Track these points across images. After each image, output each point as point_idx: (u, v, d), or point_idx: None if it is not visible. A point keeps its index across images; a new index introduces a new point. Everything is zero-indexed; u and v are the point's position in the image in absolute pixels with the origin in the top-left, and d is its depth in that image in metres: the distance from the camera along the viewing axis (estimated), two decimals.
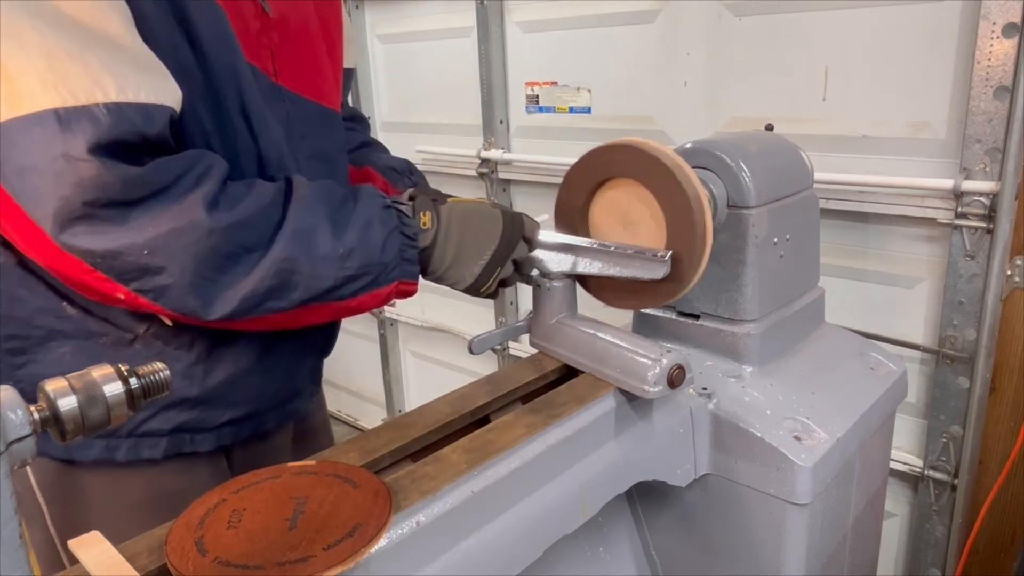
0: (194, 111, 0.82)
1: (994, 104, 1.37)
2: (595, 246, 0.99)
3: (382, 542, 0.68)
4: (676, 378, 0.90)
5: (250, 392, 0.97)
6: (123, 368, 0.56)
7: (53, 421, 0.52)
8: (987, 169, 1.41)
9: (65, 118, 0.69)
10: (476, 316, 2.56)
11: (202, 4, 0.81)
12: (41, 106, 0.69)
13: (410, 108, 2.60)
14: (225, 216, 0.76)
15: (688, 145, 1.06)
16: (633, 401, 0.95)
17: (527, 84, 2.19)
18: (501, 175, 2.32)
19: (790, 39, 1.63)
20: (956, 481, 1.59)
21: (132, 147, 0.73)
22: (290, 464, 0.77)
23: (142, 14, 0.77)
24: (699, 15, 1.76)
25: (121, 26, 0.74)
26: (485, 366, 2.47)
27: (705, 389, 1.02)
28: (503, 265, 0.94)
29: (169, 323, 0.88)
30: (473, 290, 0.94)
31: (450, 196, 0.97)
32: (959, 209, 1.45)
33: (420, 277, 0.92)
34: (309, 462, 0.78)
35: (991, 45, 1.36)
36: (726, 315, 1.07)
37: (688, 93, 1.84)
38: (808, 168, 1.17)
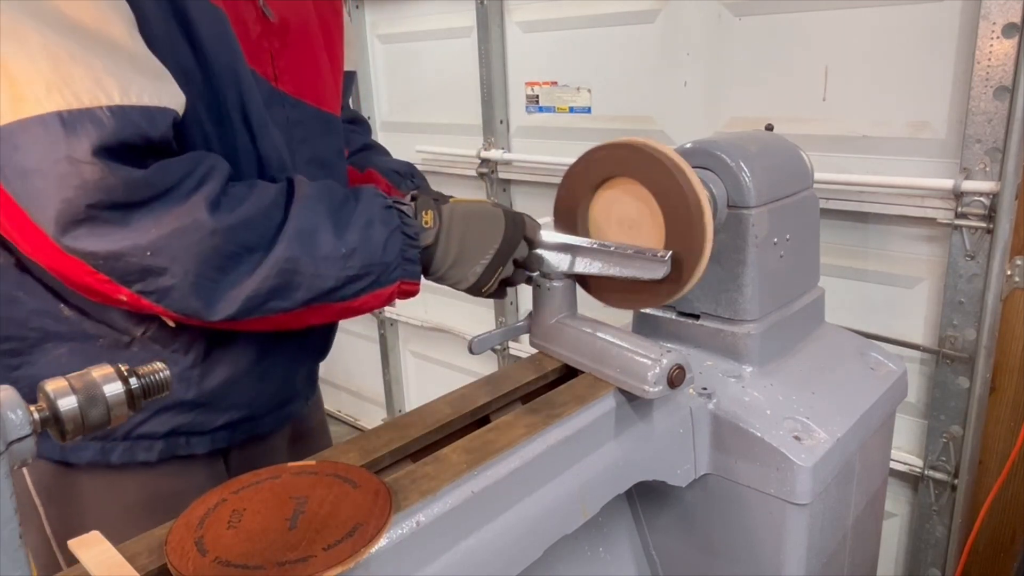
0: (195, 114, 0.82)
1: (994, 104, 1.37)
2: (595, 246, 0.99)
3: (382, 542, 0.68)
4: (676, 378, 0.90)
5: (247, 395, 0.97)
6: (123, 368, 0.56)
7: (53, 421, 0.52)
8: (987, 169, 1.41)
9: (69, 121, 0.69)
10: (476, 316, 2.56)
11: (203, 7, 0.81)
12: (45, 108, 0.69)
13: (410, 108, 2.60)
14: (227, 217, 0.76)
15: (688, 145, 1.06)
16: (633, 401, 0.95)
17: (527, 84, 2.19)
18: (501, 175, 2.32)
19: (790, 39, 1.63)
20: (956, 481, 1.59)
21: (135, 149, 0.73)
22: (290, 464, 0.77)
23: (144, 16, 0.77)
24: (699, 15, 1.76)
25: (124, 29, 0.74)
26: (485, 366, 2.47)
27: (705, 389, 1.02)
28: (504, 265, 0.94)
29: (172, 324, 0.88)
30: (475, 290, 0.94)
31: (451, 197, 0.97)
32: (959, 209, 1.45)
33: (422, 277, 0.92)
34: (309, 462, 0.78)
35: (991, 45, 1.36)
36: (726, 315, 1.07)
37: (688, 93, 1.84)
38: (808, 168, 1.17)
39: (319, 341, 1.09)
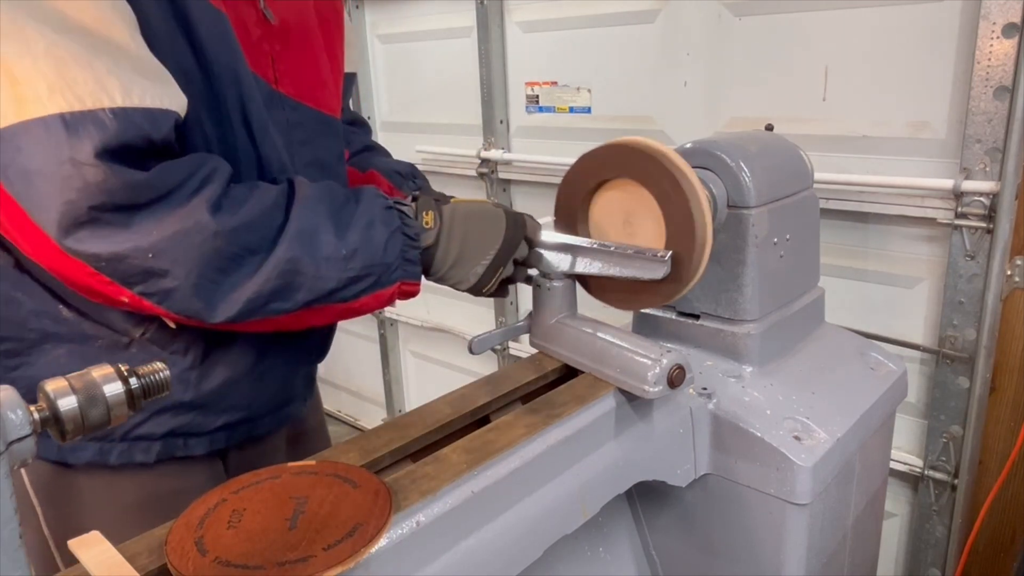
0: (195, 116, 0.82)
1: (994, 104, 1.37)
2: (595, 246, 0.99)
3: (382, 542, 0.68)
4: (676, 378, 0.90)
5: (244, 397, 0.97)
6: (123, 368, 0.56)
7: (53, 421, 0.52)
8: (987, 169, 1.41)
9: (72, 123, 0.69)
10: (476, 316, 2.56)
11: (204, 9, 0.81)
12: (48, 111, 0.69)
13: (410, 108, 2.60)
14: (229, 218, 0.76)
15: (688, 145, 1.06)
16: (633, 401, 0.95)
17: (527, 84, 2.19)
18: (501, 175, 2.32)
19: (790, 39, 1.63)
20: (956, 481, 1.59)
21: (138, 151, 0.73)
22: (290, 464, 0.77)
23: (145, 18, 0.77)
24: (699, 15, 1.76)
25: (126, 31, 0.74)
26: (485, 366, 2.47)
27: (705, 389, 1.02)
28: (505, 265, 0.94)
29: (173, 326, 0.88)
30: (476, 290, 0.94)
31: (452, 197, 0.97)
32: (959, 209, 1.45)
33: (423, 278, 0.92)
34: (309, 462, 0.78)
35: (991, 45, 1.36)
36: (726, 315, 1.07)
37: (688, 93, 1.84)
38: (808, 168, 1.17)
39: (318, 342, 1.09)
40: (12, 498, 0.46)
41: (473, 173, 2.36)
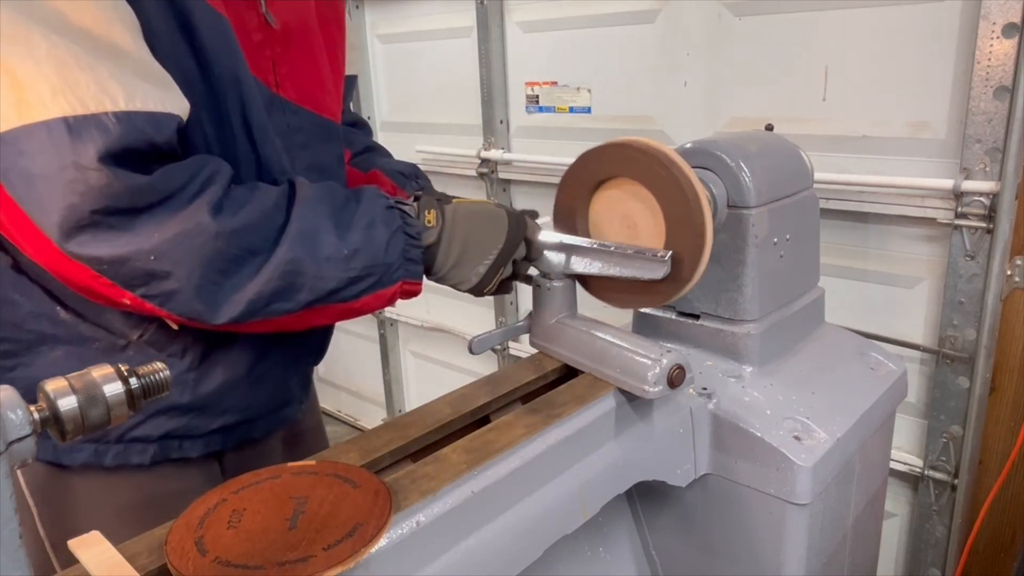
0: (196, 119, 0.82)
1: (994, 104, 1.37)
2: (595, 246, 0.99)
3: (382, 542, 0.68)
4: (676, 378, 0.90)
5: (241, 400, 0.97)
6: (123, 368, 0.56)
7: (53, 421, 0.52)
8: (987, 169, 1.41)
9: (75, 126, 0.69)
10: (476, 316, 2.56)
11: (206, 14, 0.81)
12: (51, 114, 0.69)
13: (410, 108, 2.60)
14: (230, 220, 0.76)
15: (688, 145, 1.06)
16: (633, 401, 0.95)
17: (527, 84, 2.19)
18: (501, 175, 2.32)
19: (790, 39, 1.63)
20: (956, 481, 1.59)
21: (140, 155, 0.73)
22: (290, 464, 0.77)
23: (147, 23, 0.77)
24: (699, 15, 1.76)
25: (128, 36, 0.74)
26: (485, 366, 2.47)
27: (705, 389, 1.02)
28: (506, 266, 0.94)
29: (175, 327, 0.88)
30: (477, 291, 0.94)
31: (455, 197, 0.97)
32: (959, 209, 1.45)
33: (424, 277, 0.92)
34: (309, 462, 0.78)
35: (991, 45, 1.36)
36: (726, 315, 1.07)
37: (688, 93, 1.84)
38: (808, 168, 1.17)
39: (315, 345, 1.09)
40: (12, 498, 0.46)
41: (473, 173, 2.36)
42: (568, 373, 1.02)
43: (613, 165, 0.97)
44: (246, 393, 0.97)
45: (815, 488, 0.96)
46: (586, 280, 1.03)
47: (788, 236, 1.09)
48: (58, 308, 0.87)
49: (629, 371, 0.92)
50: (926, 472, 1.64)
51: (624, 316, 1.19)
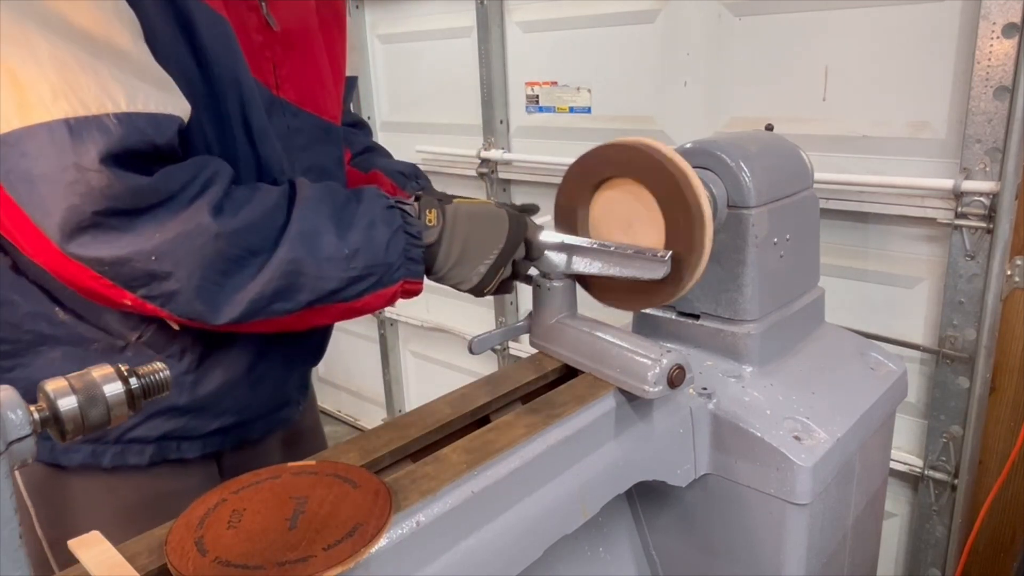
0: (196, 121, 0.82)
1: (994, 104, 1.37)
2: (595, 246, 0.99)
3: (382, 542, 0.68)
4: (676, 378, 0.90)
5: (239, 402, 0.98)
6: (123, 368, 0.56)
7: (53, 421, 0.52)
8: (987, 169, 1.41)
9: (76, 128, 0.69)
10: (476, 316, 2.56)
11: (207, 16, 0.81)
12: (52, 115, 0.69)
13: (410, 108, 2.60)
14: (231, 221, 0.76)
15: (688, 145, 1.06)
16: (633, 401, 0.95)
17: (527, 84, 2.19)
18: (501, 175, 2.32)
19: (790, 39, 1.63)
20: (956, 481, 1.59)
21: (142, 156, 0.73)
22: (290, 464, 0.77)
23: (149, 25, 0.77)
24: (699, 15, 1.76)
25: (130, 38, 0.74)
26: (485, 366, 2.47)
27: (705, 389, 1.02)
28: (506, 266, 0.94)
29: (176, 327, 0.88)
30: (477, 291, 0.94)
31: (456, 197, 0.97)
32: (959, 209, 1.45)
33: (425, 277, 0.92)
34: (309, 462, 0.78)
35: (991, 45, 1.36)
36: (726, 315, 1.07)
37: (688, 93, 1.84)
38: (808, 168, 1.17)
39: (314, 346, 1.09)
40: (12, 498, 0.46)
41: (473, 173, 2.36)
42: (568, 373, 1.02)
43: (613, 165, 0.97)
44: (244, 395, 0.97)
45: (815, 488, 0.96)
46: (586, 280, 1.03)
47: (788, 236, 1.09)
48: (57, 309, 0.87)
49: (629, 371, 0.92)
50: (926, 472, 1.64)
51: (624, 316, 1.19)
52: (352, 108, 1.48)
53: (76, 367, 0.55)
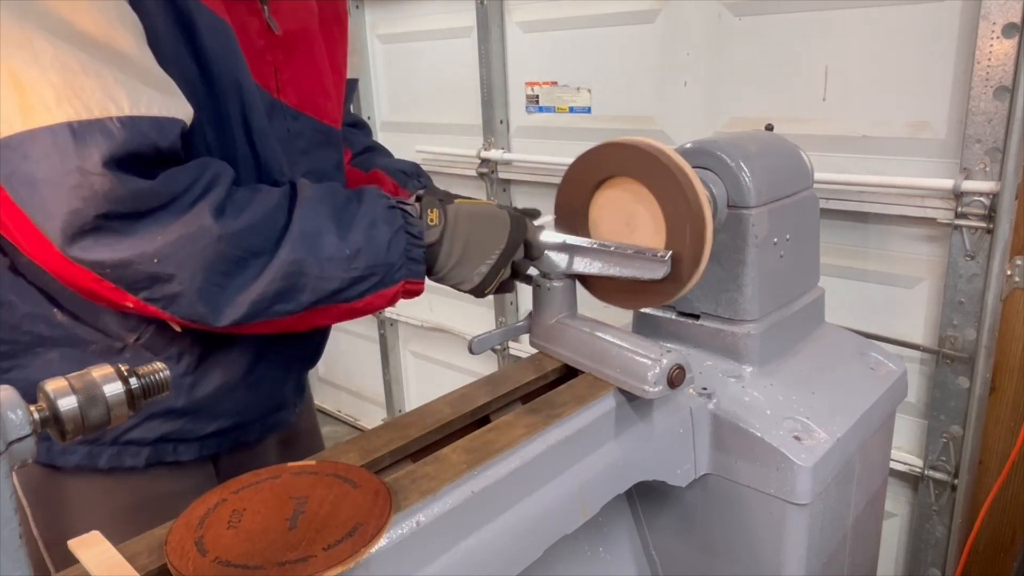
0: (198, 124, 0.82)
1: (994, 104, 1.37)
2: (595, 246, 0.99)
3: (382, 542, 0.68)
4: (676, 378, 0.90)
5: (236, 405, 0.98)
6: (123, 368, 0.56)
7: (53, 421, 0.52)
8: (987, 169, 1.41)
9: (79, 131, 0.69)
10: (476, 316, 2.56)
11: (209, 20, 0.81)
12: (56, 119, 0.69)
13: (410, 108, 2.60)
14: (232, 222, 0.76)
15: (688, 145, 1.06)
16: (633, 401, 0.95)
17: (527, 84, 2.19)
18: (501, 175, 2.32)
19: (790, 39, 1.63)
20: (956, 481, 1.59)
21: (145, 160, 0.73)
22: (290, 464, 0.77)
23: (151, 29, 0.77)
24: (699, 15, 1.76)
25: (133, 41, 0.74)
26: (485, 366, 2.47)
27: (705, 389, 1.02)
28: (507, 266, 0.94)
29: (179, 329, 0.88)
30: (478, 291, 0.94)
31: (459, 196, 0.97)
32: (959, 209, 1.45)
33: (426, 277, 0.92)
34: (309, 462, 0.78)
35: (991, 45, 1.36)
36: (726, 315, 1.07)
37: (688, 93, 1.84)
38: (808, 168, 1.17)
39: (311, 350, 1.10)
40: (12, 498, 0.46)
41: (473, 173, 2.36)
42: (568, 373, 1.02)
43: (613, 165, 0.97)
44: (241, 397, 0.97)
45: (815, 488, 0.96)
46: (586, 280, 1.03)
47: (788, 236, 1.09)
48: (55, 310, 0.87)
49: (629, 371, 0.92)
50: (926, 472, 1.64)
51: (624, 316, 1.19)
52: (352, 109, 1.48)
53: (74, 369, 0.55)
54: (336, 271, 0.82)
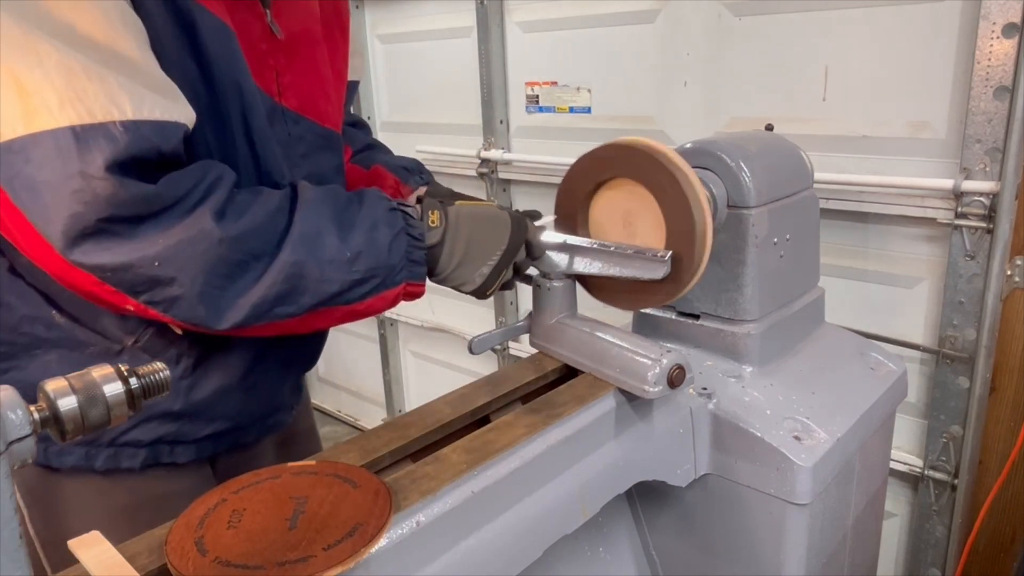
0: (199, 128, 0.82)
1: (994, 104, 1.37)
2: (595, 246, 0.99)
3: (382, 542, 0.68)
4: (676, 378, 0.90)
5: (233, 407, 0.98)
6: (123, 368, 0.56)
7: (53, 421, 0.52)
8: (987, 169, 1.41)
9: (82, 135, 0.69)
10: (476, 316, 2.56)
11: (212, 25, 0.81)
12: (58, 123, 0.68)
13: (410, 108, 2.60)
14: (233, 225, 0.76)
15: (688, 145, 1.06)
16: (633, 401, 0.95)
17: (527, 84, 2.19)
18: (501, 175, 2.32)
19: (790, 39, 1.63)
20: (956, 481, 1.59)
21: (147, 163, 0.73)
22: (290, 464, 0.77)
23: (154, 33, 0.77)
24: (699, 15, 1.76)
25: (136, 46, 0.74)
26: (485, 366, 2.47)
27: (705, 389, 1.02)
28: (509, 267, 0.94)
29: (180, 332, 0.88)
30: (480, 292, 0.94)
31: (461, 195, 0.97)
32: (959, 209, 1.45)
33: (427, 279, 0.92)
34: (309, 462, 0.78)
35: (991, 45, 1.36)
36: (726, 315, 1.07)
37: (688, 93, 1.84)
38: (808, 168, 1.17)
39: (309, 352, 1.10)
40: (12, 498, 0.46)
41: (473, 173, 2.36)
42: (568, 373, 1.02)
43: (614, 165, 0.97)
44: (239, 400, 0.97)
45: (815, 488, 0.96)
46: (586, 280, 1.03)
47: (788, 236, 1.09)
48: (54, 312, 0.87)
49: (629, 371, 0.92)
50: (926, 472, 1.64)
51: (624, 316, 1.19)
52: (352, 109, 1.48)
53: (72, 371, 0.55)
54: (337, 273, 0.81)
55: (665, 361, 0.90)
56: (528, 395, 0.99)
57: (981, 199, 1.42)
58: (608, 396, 0.93)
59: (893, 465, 1.58)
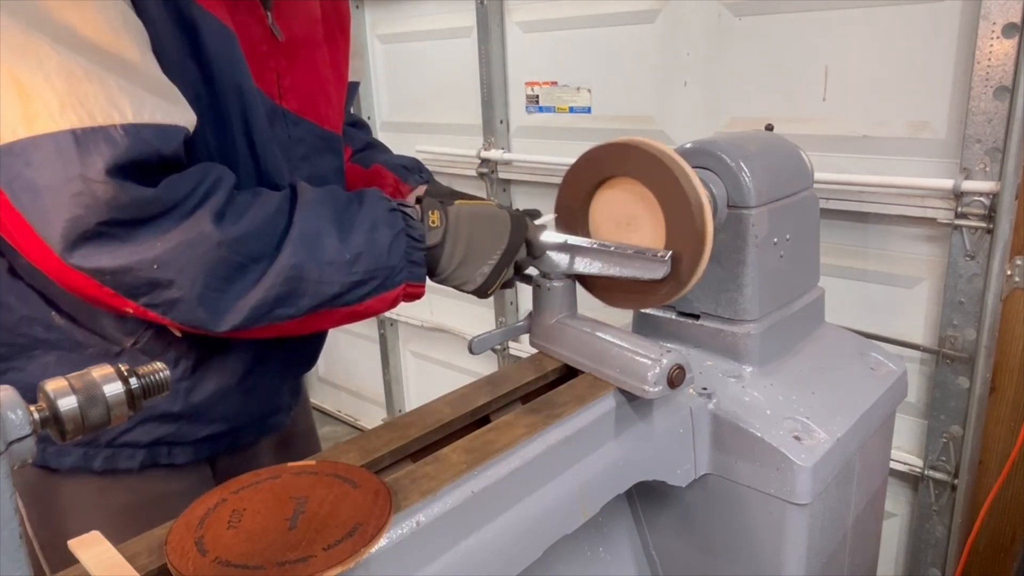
0: (199, 130, 0.82)
1: (994, 104, 1.37)
2: (595, 246, 0.99)
3: (382, 542, 0.68)
4: (676, 378, 0.90)
5: (232, 409, 0.98)
6: (123, 368, 0.56)
7: (53, 421, 0.52)
8: (987, 169, 1.41)
9: (82, 139, 0.69)
10: (476, 316, 2.56)
11: (214, 28, 0.81)
12: (59, 126, 0.68)
13: (410, 108, 2.60)
14: (233, 228, 0.76)
15: (688, 145, 1.06)
16: (633, 401, 0.95)
17: (527, 84, 2.19)
18: (501, 175, 2.32)
19: (790, 39, 1.63)
20: (956, 481, 1.59)
21: (147, 167, 0.73)
22: (290, 464, 0.77)
23: (156, 36, 0.77)
24: (699, 15, 1.76)
25: (137, 49, 0.74)
26: (485, 366, 2.47)
27: (705, 389, 1.02)
28: (509, 267, 0.94)
29: (179, 334, 0.88)
30: (481, 292, 0.94)
31: (462, 194, 0.97)
32: (959, 209, 1.45)
33: (427, 279, 0.92)
34: (309, 462, 0.78)
35: (991, 45, 1.36)
36: (726, 315, 1.07)
37: (688, 93, 1.84)
38: (808, 168, 1.17)
39: (307, 354, 1.10)
40: (12, 498, 0.46)
41: (473, 173, 2.36)
42: (568, 373, 1.02)
43: (614, 165, 0.97)
44: (237, 402, 0.97)
45: (815, 488, 0.96)
46: (586, 280, 1.03)
47: (788, 236, 1.09)
48: (53, 313, 0.87)
49: (629, 371, 0.92)
50: (926, 472, 1.64)
51: (624, 316, 1.19)
52: (352, 110, 1.48)
53: (70, 372, 0.55)
54: (336, 275, 0.81)
55: (665, 361, 0.90)
56: (528, 395, 0.99)
57: (981, 199, 1.42)
58: (608, 396, 0.93)
59: (893, 465, 1.58)
